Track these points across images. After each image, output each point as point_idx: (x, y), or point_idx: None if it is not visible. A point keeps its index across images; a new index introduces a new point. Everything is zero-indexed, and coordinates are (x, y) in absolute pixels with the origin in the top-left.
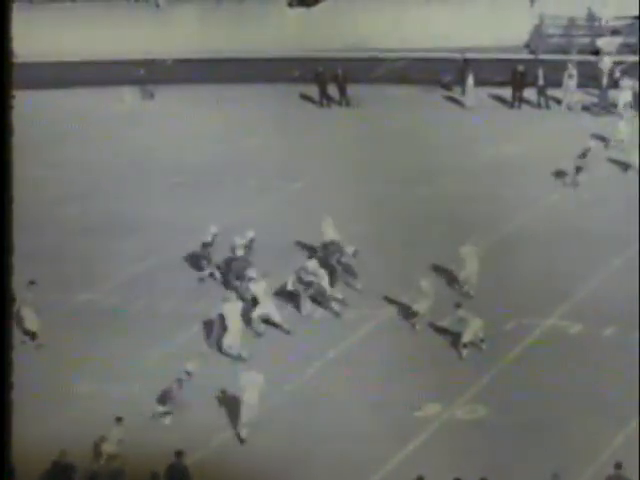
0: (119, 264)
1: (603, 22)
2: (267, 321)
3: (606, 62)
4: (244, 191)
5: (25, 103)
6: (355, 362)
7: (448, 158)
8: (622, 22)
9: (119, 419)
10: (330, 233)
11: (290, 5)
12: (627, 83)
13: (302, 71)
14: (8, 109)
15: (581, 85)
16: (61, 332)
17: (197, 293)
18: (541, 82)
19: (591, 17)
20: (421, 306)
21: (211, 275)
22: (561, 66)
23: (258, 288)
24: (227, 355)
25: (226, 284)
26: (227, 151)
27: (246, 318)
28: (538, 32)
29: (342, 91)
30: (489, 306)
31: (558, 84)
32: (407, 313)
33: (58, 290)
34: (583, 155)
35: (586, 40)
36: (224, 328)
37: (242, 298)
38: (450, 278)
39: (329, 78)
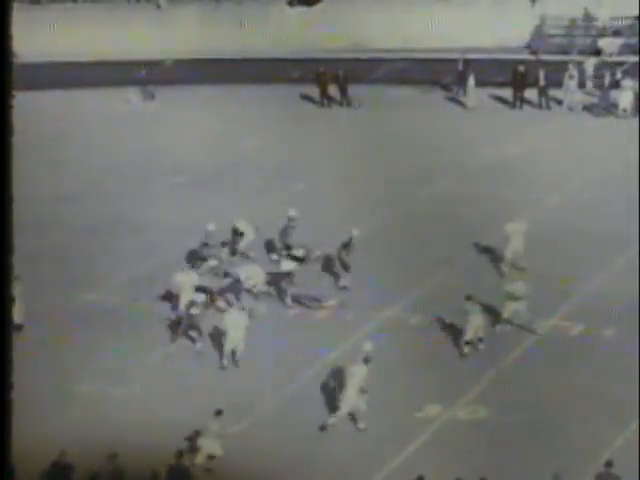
0: (119, 264)
1: (600, 22)
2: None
3: (589, 64)
4: (245, 191)
5: (25, 103)
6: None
7: (449, 159)
8: (623, 23)
9: (219, 412)
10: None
11: (290, 4)
12: (628, 84)
13: (303, 71)
14: (8, 109)
15: (582, 85)
16: (61, 332)
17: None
18: (542, 82)
19: (588, 17)
20: (470, 333)
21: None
22: (562, 67)
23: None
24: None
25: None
26: (228, 151)
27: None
28: (539, 33)
29: (343, 91)
30: (489, 306)
31: (559, 85)
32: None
33: (58, 290)
34: None
35: (587, 41)
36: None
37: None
38: (494, 257)
39: (330, 78)
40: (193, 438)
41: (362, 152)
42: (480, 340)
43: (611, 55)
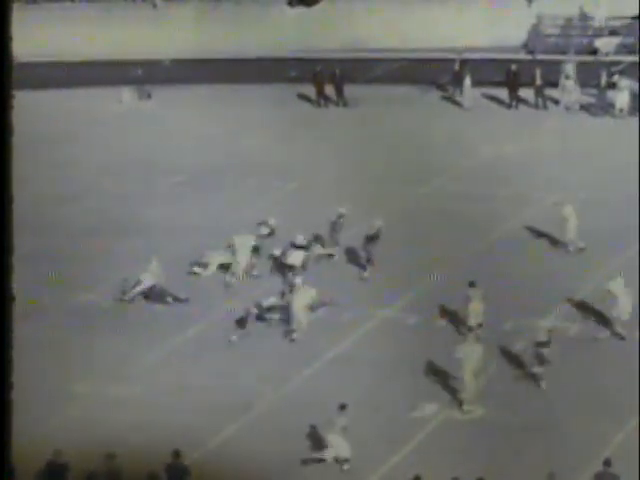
0: (118, 264)
1: (596, 22)
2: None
3: (570, 66)
4: (243, 191)
5: (21, 103)
6: (352, 362)
7: (446, 158)
8: (620, 22)
9: (343, 406)
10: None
11: (290, 4)
12: (625, 83)
13: (299, 71)
14: (8, 109)
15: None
16: (61, 332)
17: (197, 293)
18: (539, 82)
19: (583, 17)
20: (473, 318)
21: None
22: (559, 66)
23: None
24: None
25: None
26: (225, 151)
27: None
28: (536, 32)
29: (339, 91)
30: (487, 306)
31: (556, 84)
32: (462, 328)
33: (58, 290)
34: None
35: (584, 40)
36: None
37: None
38: (552, 241)
39: (326, 78)
40: (314, 434)
41: (359, 152)
42: (479, 326)
43: (607, 55)
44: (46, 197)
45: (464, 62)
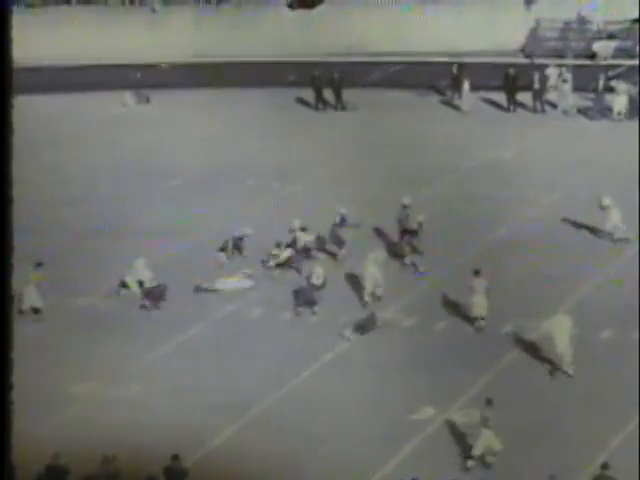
0: (117, 266)
1: (594, 26)
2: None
3: (553, 71)
4: (241, 194)
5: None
6: (350, 364)
7: (444, 161)
8: (618, 26)
9: (489, 401)
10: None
11: (291, 7)
12: (623, 87)
13: (298, 75)
14: (8, 110)
15: (577, 89)
16: (60, 334)
17: (195, 295)
18: (537, 86)
19: (581, 20)
20: (477, 310)
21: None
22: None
23: None
24: None
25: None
26: (223, 155)
27: None
28: (534, 36)
29: (338, 95)
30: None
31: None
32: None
33: (57, 292)
34: None
35: (582, 44)
36: None
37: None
38: (594, 230)
39: (325, 82)
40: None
41: (357, 155)
42: (482, 319)
43: (606, 58)
44: (45, 200)
45: (462, 66)
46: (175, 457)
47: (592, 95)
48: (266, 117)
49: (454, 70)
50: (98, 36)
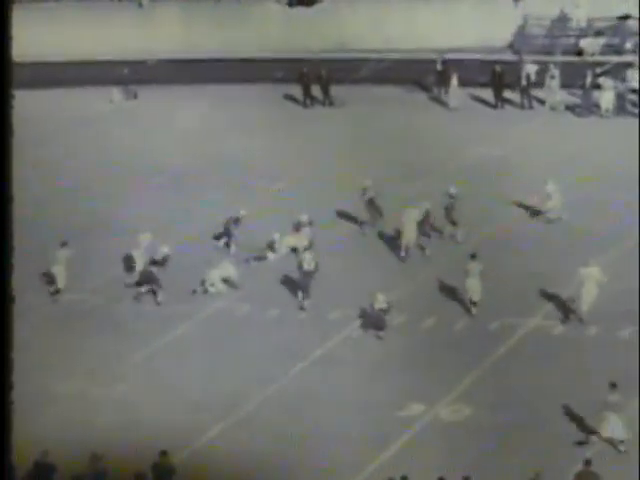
0: (104, 264)
1: (575, 22)
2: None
3: (531, 68)
4: (228, 191)
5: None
6: (339, 362)
7: (432, 158)
8: (605, 23)
9: (613, 385)
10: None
11: (290, 4)
12: (609, 84)
13: (286, 71)
14: (8, 109)
15: (564, 86)
16: (46, 333)
17: (182, 293)
18: (524, 83)
19: (564, 17)
20: (471, 294)
21: None
22: (544, 67)
23: None
24: None
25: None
26: (211, 151)
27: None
28: (522, 33)
29: (326, 91)
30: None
31: (542, 84)
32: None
33: (43, 290)
34: None
35: (570, 41)
36: None
37: None
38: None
39: (313, 78)
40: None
41: (345, 152)
42: (474, 304)
43: (593, 55)
44: (30, 197)
45: (450, 62)
46: (164, 453)
47: (580, 92)
48: (254, 113)
49: (437, 66)
50: (85, 32)
